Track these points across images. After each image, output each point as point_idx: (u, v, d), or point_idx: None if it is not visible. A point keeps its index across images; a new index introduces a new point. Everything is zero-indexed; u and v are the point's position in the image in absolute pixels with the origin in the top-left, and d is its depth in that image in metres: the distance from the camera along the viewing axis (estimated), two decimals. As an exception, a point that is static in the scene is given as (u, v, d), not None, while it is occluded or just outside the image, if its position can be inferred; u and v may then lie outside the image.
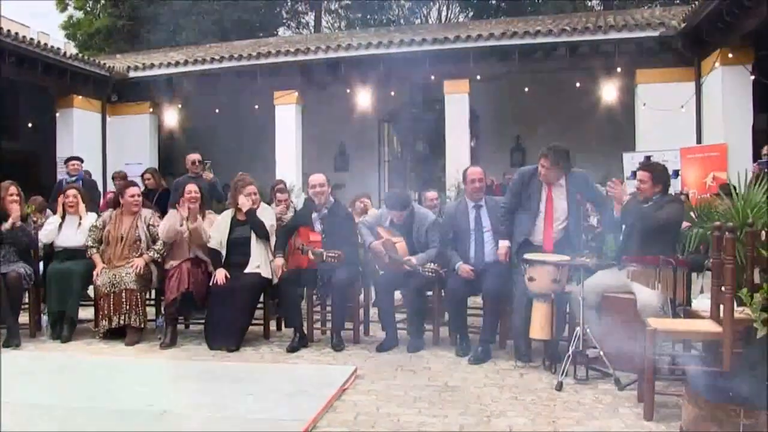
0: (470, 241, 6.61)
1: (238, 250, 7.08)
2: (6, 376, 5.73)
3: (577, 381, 5.37)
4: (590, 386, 5.30)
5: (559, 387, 5.19)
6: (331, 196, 7.12)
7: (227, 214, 7.26)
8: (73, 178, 10.97)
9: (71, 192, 7.84)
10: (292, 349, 6.62)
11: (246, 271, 6.96)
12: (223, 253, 7.09)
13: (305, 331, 6.93)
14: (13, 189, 7.50)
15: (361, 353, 6.54)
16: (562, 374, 5.31)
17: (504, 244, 6.30)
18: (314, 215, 7.03)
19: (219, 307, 6.79)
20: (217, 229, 7.18)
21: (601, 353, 5.40)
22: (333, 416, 4.64)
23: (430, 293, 6.93)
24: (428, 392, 5.19)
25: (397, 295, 7.03)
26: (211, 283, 6.90)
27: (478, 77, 14.82)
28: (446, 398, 5.04)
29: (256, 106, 16.49)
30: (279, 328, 7.50)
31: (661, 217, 5.63)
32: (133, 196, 7.60)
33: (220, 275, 6.86)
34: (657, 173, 5.85)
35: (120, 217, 7.51)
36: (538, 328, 5.74)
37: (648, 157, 10.95)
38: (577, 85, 14.69)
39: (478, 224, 6.63)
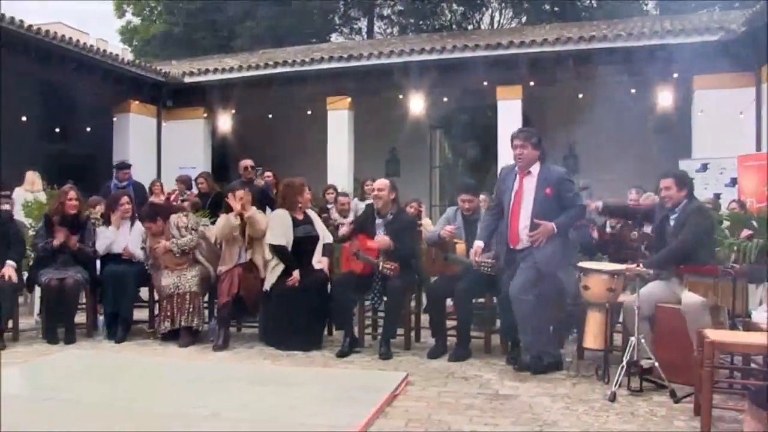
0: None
1: (299, 248, 7.09)
2: (61, 374, 5.85)
3: (631, 392, 5.27)
4: (644, 398, 5.19)
5: (613, 398, 5.10)
6: (394, 203, 7.10)
7: (286, 214, 7.21)
8: (124, 183, 11.12)
9: (124, 199, 7.98)
10: (342, 354, 6.63)
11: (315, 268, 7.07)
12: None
13: (356, 336, 6.94)
14: (72, 194, 7.67)
15: (411, 359, 6.53)
16: (615, 385, 5.23)
17: (477, 243, 6.26)
18: (378, 221, 7.03)
19: (289, 308, 6.83)
20: (281, 225, 7.12)
21: (656, 364, 5.31)
22: (384, 422, 4.62)
23: (481, 300, 6.88)
24: (480, 400, 5.14)
25: (448, 302, 7.00)
26: (288, 283, 6.89)
27: (532, 83, 14.71)
28: (497, 407, 4.98)
29: (309, 112, 16.58)
30: (330, 333, 7.51)
31: (687, 239, 5.64)
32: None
33: (295, 276, 6.87)
34: (680, 179, 5.87)
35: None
36: (592, 337, 5.68)
37: (704, 165, 10.75)
38: (632, 90, 14.47)
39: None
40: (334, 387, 5.47)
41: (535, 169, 5.93)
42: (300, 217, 7.22)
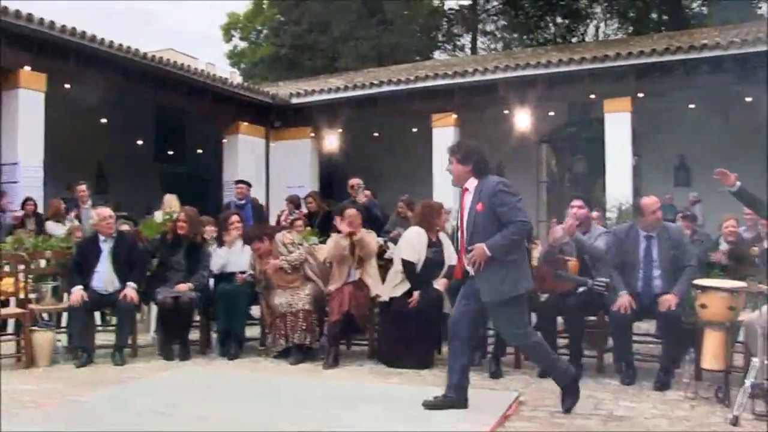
0: (638, 273, 6.33)
1: (424, 269, 7.10)
2: (178, 390, 6.02)
3: (756, 417, 5.04)
4: (770, 422, 4.98)
5: (735, 422, 4.89)
6: None
7: (423, 233, 7.22)
8: (242, 202, 11.39)
9: (234, 218, 8.20)
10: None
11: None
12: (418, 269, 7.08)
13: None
14: (182, 215, 7.94)
15: (522, 378, 6.45)
16: (738, 408, 5.02)
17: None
18: None
19: (404, 325, 6.88)
20: (417, 242, 7.14)
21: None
22: (496, 443, 4.58)
23: (593, 318, 6.75)
24: (594, 421, 5.04)
25: (559, 320, 6.89)
26: (409, 304, 6.91)
27: (640, 95, 14.40)
28: (612, 428, 4.87)
29: (414, 129, 16.67)
30: (439, 351, 7.48)
31: None
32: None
33: (416, 298, 6.89)
34: None
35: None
36: (711, 358, 5.47)
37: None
38: (748, 99, 13.99)
39: (648, 256, 6.34)
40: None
41: (472, 184, 5.35)
42: (433, 238, 7.24)
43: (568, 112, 17.19)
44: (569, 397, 5.31)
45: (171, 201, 10.81)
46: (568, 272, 6.62)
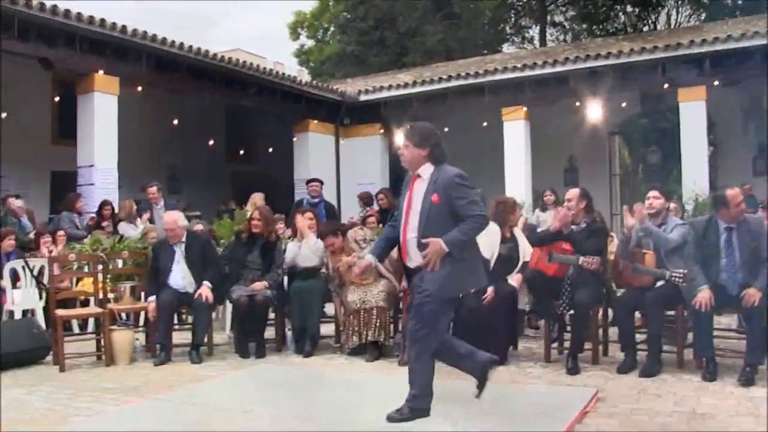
0: (719, 265, 6.16)
1: (498, 265, 7.04)
2: (256, 387, 6.08)
3: None
4: None
5: (825, 418, 4.74)
6: (586, 211, 6.92)
7: (497, 229, 7.15)
8: (316, 200, 11.44)
9: (308, 214, 8.23)
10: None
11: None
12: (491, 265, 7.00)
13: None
14: (256, 213, 8.02)
15: (600, 375, 6.33)
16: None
17: (368, 258, 5.42)
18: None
19: (478, 322, 6.81)
20: (486, 240, 6.92)
21: None
22: (575, 440, 4.51)
23: (672, 313, 6.59)
24: (675, 419, 4.90)
25: (637, 314, 6.76)
26: (484, 301, 6.80)
27: (716, 83, 14.03)
28: (695, 426, 4.73)
29: (484, 123, 16.54)
30: (515, 347, 7.41)
31: None
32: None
33: (490, 294, 6.78)
34: None
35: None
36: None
37: None
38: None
39: (729, 248, 6.17)
40: (521, 403, 5.38)
41: (426, 171, 5.02)
42: (507, 234, 7.19)
43: (640, 103, 16.85)
44: (410, 411, 4.93)
45: (257, 199, 10.90)
46: (645, 265, 6.48)
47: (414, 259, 4.96)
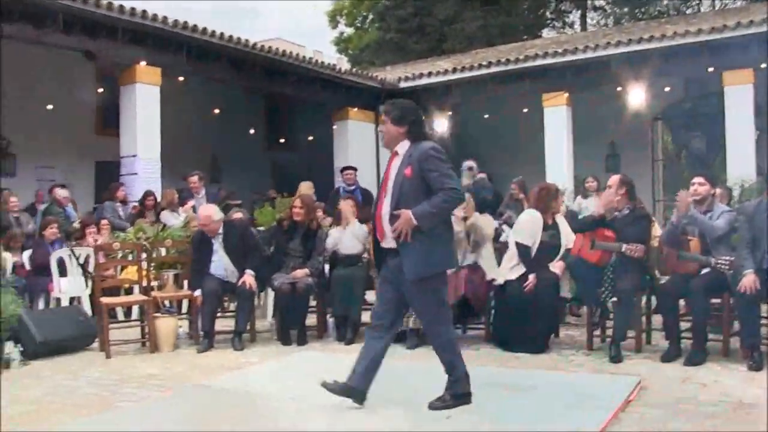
0: (766, 250, 6.02)
1: (540, 252, 7.00)
2: (300, 374, 6.11)
3: None
4: None
5: None
6: (628, 198, 6.85)
7: (539, 216, 7.12)
8: (352, 188, 11.47)
9: (350, 201, 8.26)
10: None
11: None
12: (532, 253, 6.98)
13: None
14: (297, 201, 8.07)
15: (643, 363, 6.26)
16: None
17: None
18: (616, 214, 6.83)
19: (520, 309, 6.82)
20: (531, 226, 7.06)
21: None
22: (618, 428, 4.46)
23: (717, 300, 6.49)
24: (721, 408, 4.83)
25: (681, 302, 6.67)
26: (525, 288, 6.81)
27: (763, 65, 13.73)
28: (741, 416, 4.66)
29: (525, 110, 16.43)
30: (557, 335, 7.37)
31: None
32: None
33: (531, 282, 6.79)
34: None
35: None
36: None
37: None
38: None
39: None
40: (564, 390, 5.33)
41: (403, 148, 4.91)
42: (549, 221, 7.13)
43: (684, 87, 16.59)
44: (452, 398, 4.92)
45: (305, 188, 10.94)
46: (690, 252, 6.40)
47: (388, 236, 4.85)
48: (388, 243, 4.87)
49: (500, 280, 7.05)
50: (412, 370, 6.22)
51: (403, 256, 4.75)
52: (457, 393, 4.92)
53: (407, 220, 4.62)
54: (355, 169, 11.99)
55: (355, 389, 4.91)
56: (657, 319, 6.89)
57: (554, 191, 7.29)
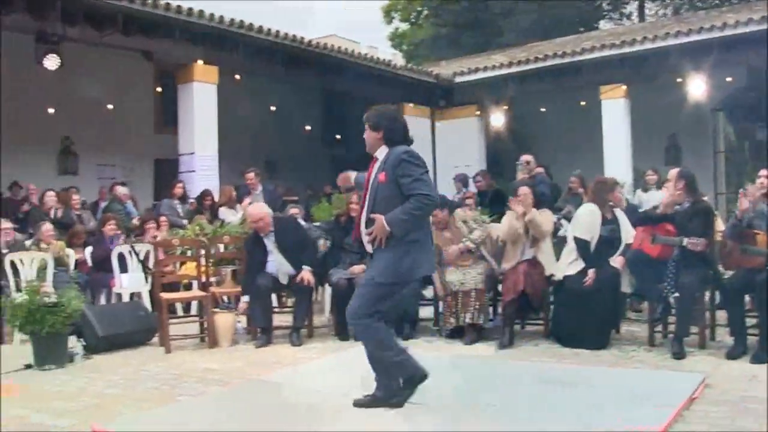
0: None
1: (600, 247, 6.92)
2: (353, 369, 6.08)
3: None
4: None
5: None
6: (688, 192, 6.70)
7: (597, 210, 7.04)
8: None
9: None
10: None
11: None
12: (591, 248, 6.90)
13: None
14: (354, 197, 8.02)
15: (707, 360, 6.13)
16: None
17: None
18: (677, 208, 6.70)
19: (581, 305, 6.74)
20: (590, 220, 6.98)
21: None
22: (683, 426, 4.37)
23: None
24: (789, 407, 4.71)
25: (747, 298, 6.51)
26: (585, 283, 6.73)
27: (831, 53, 13.33)
28: (810, 415, 4.53)
29: (582, 103, 16.23)
30: (617, 331, 7.25)
31: None
32: None
33: (591, 277, 6.71)
34: None
35: None
36: None
37: None
38: None
39: None
40: (625, 387, 5.23)
41: (381, 153, 4.89)
42: (608, 215, 7.04)
43: (747, 77, 16.21)
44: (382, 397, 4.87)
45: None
46: (756, 246, 6.24)
47: (365, 241, 4.85)
48: (367, 247, 4.85)
49: (559, 275, 6.97)
50: (469, 365, 6.17)
51: (374, 259, 4.77)
52: (379, 395, 4.92)
53: (381, 227, 4.59)
54: None
55: (413, 376, 4.85)
56: (721, 315, 6.75)
57: (611, 184, 7.19)
